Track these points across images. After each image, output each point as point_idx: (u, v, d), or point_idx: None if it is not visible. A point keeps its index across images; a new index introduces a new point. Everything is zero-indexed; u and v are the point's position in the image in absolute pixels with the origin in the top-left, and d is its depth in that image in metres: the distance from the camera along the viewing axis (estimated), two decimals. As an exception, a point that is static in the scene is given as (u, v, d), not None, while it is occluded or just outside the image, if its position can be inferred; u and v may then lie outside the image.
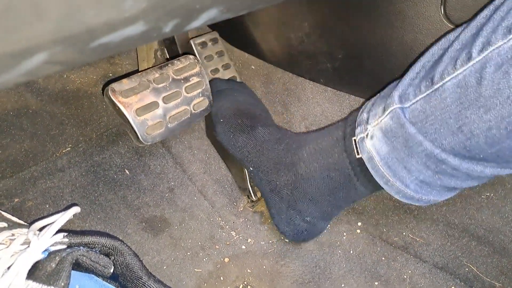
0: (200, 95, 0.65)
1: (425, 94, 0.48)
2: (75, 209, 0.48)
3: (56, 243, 0.42)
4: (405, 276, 0.65)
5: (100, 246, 0.45)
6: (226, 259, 0.67)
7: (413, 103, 0.49)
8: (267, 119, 0.74)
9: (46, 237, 0.41)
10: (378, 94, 0.58)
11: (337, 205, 0.62)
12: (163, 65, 0.63)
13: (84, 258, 0.41)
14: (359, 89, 0.73)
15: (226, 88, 0.75)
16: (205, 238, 0.68)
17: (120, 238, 0.63)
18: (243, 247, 0.69)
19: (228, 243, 0.69)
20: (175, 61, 0.64)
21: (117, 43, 0.25)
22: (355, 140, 0.55)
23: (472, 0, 0.53)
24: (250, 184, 0.74)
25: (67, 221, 0.45)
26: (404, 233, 0.69)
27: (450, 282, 0.64)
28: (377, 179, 0.54)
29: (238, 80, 0.83)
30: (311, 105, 0.78)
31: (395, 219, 0.70)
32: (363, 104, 0.62)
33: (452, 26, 0.57)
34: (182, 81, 0.63)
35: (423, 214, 0.68)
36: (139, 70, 0.79)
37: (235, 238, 0.70)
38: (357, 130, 0.55)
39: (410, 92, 0.50)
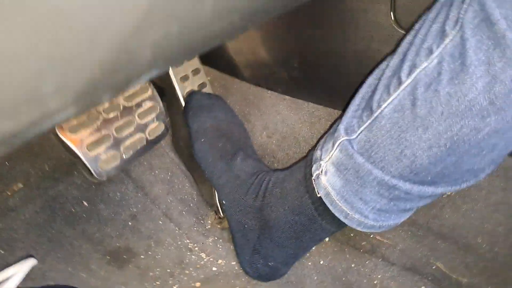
0: (155, 120, 0.63)
1: (367, 123, 0.48)
2: (31, 262, 0.46)
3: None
4: (375, 282, 0.66)
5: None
6: (198, 284, 0.65)
7: (359, 134, 0.49)
8: (247, 145, 0.72)
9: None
10: (329, 131, 0.58)
11: (303, 248, 0.62)
12: (112, 91, 0.60)
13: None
14: (316, 96, 0.72)
15: (207, 104, 0.72)
16: (173, 264, 0.66)
17: (84, 276, 0.61)
18: (214, 268, 0.68)
19: (198, 266, 0.67)
20: (125, 86, 0.61)
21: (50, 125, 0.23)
22: (313, 179, 0.55)
23: (418, 5, 0.53)
24: (218, 200, 0.73)
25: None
26: (371, 236, 0.70)
27: (419, 282, 0.65)
28: (336, 214, 0.54)
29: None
30: (271, 114, 0.77)
31: (362, 224, 0.71)
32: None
33: (403, 32, 0.56)
34: (134, 107, 0.60)
35: (388, 217, 0.69)
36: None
37: (205, 260, 0.68)
38: (313, 168, 0.55)
39: (354, 123, 0.50)
